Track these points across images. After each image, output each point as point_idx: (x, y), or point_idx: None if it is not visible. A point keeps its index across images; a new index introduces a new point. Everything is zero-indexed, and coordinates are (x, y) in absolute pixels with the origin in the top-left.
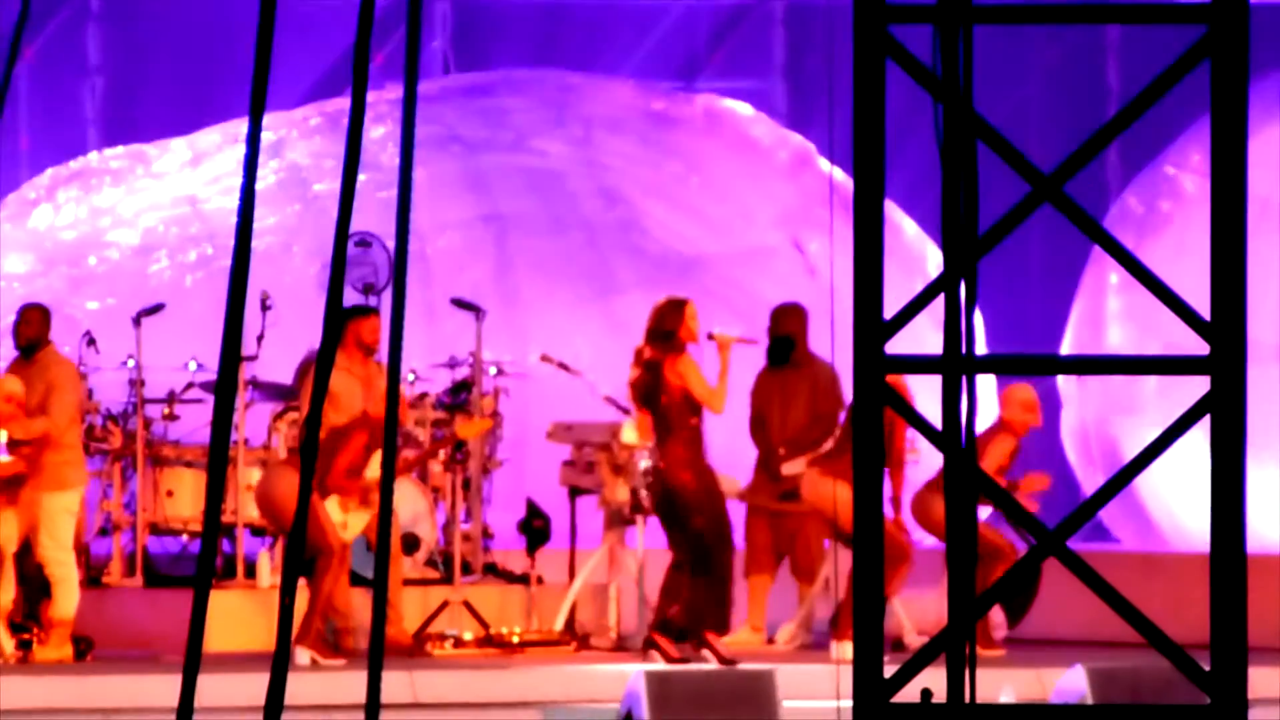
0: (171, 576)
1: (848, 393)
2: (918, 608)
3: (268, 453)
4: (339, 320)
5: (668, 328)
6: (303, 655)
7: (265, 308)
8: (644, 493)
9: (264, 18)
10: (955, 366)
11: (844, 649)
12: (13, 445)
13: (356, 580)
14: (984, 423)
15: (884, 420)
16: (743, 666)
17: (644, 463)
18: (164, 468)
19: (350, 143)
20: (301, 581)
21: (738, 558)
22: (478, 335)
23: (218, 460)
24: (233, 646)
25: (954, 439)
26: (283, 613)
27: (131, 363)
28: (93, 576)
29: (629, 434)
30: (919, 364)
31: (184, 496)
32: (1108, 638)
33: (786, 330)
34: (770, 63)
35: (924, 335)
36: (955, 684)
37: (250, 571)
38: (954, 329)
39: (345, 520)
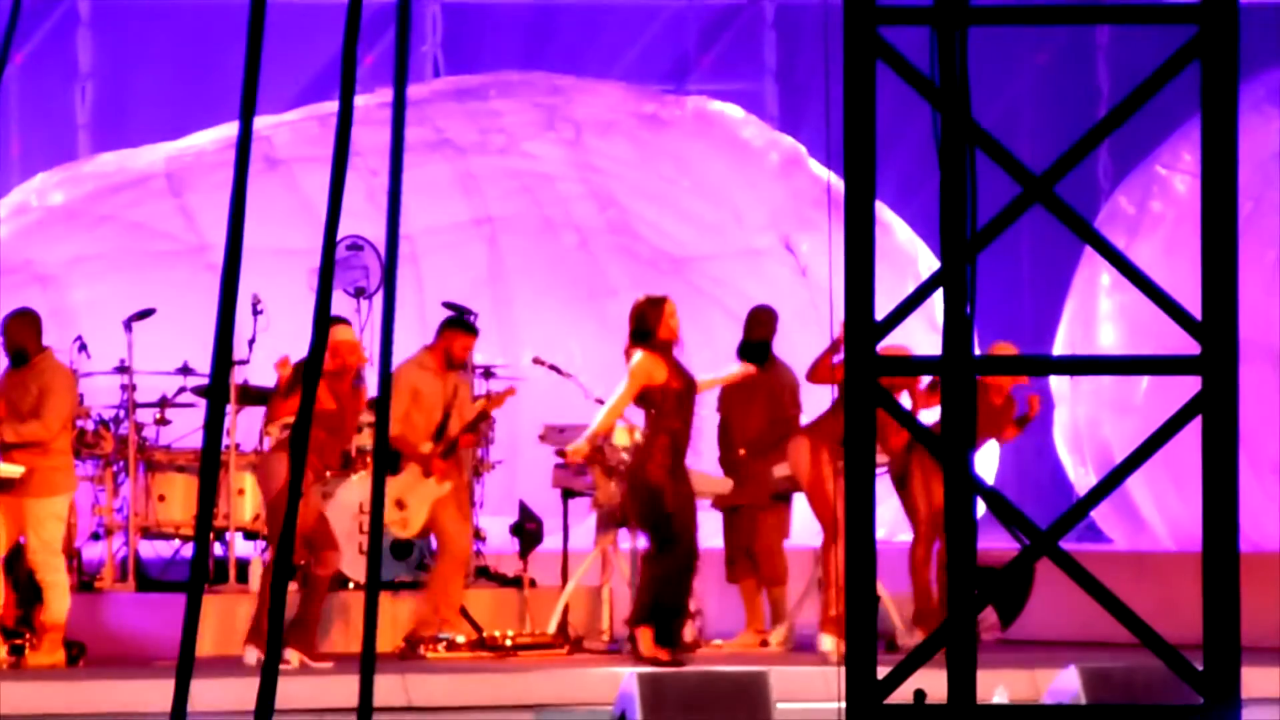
0: (164, 581)
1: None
2: (910, 608)
3: (260, 456)
4: (327, 323)
5: (648, 327)
6: (250, 655)
7: (256, 312)
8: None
9: (254, 21)
10: (954, 368)
11: (826, 640)
12: (4, 448)
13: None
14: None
15: None
16: (736, 668)
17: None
18: (156, 472)
19: (339, 145)
20: (293, 585)
21: (707, 563)
22: None
23: (209, 464)
24: (225, 650)
25: (953, 440)
26: (273, 616)
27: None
28: (85, 581)
29: (621, 436)
30: (916, 365)
31: (176, 501)
32: (1101, 638)
33: (761, 335)
34: (761, 65)
35: (915, 336)
36: (956, 685)
37: (242, 576)
38: (952, 331)
39: (405, 517)
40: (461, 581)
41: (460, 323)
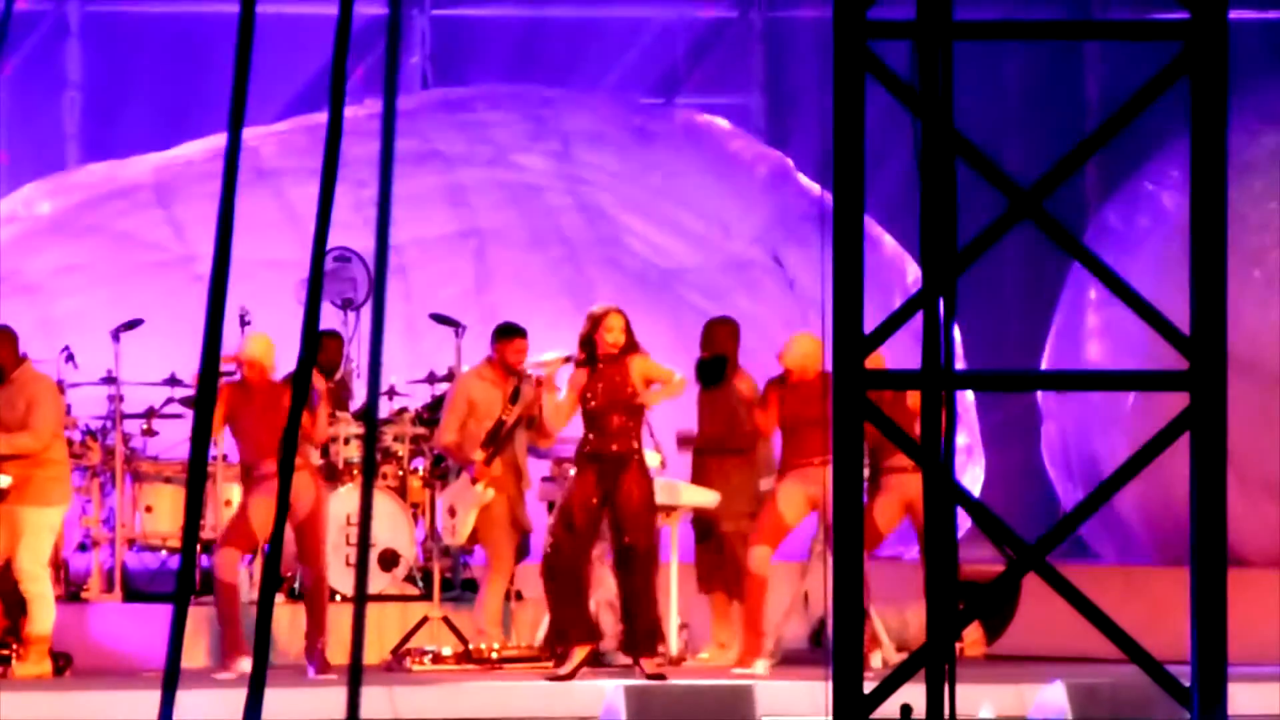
0: (150, 592)
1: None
2: (897, 623)
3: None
4: (316, 335)
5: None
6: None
7: (244, 323)
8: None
9: (243, 32)
10: (935, 382)
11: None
12: None
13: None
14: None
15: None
16: (722, 682)
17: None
18: (143, 483)
19: (328, 157)
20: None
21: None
22: (457, 350)
23: (196, 476)
24: (211, 662)
25: (933, 453)
26: (260, 628)
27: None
28: (71, 592)
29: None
30: (899, 379)
31: (163, 512)
32: (1089, 653)
33: (720, 349)
34: (749, 78)
35: (899, 350)
36: (933, 700)
37: None
38: (933, 344)
39: (454, 525)
40: (502, 593)
41: (508, 329)
